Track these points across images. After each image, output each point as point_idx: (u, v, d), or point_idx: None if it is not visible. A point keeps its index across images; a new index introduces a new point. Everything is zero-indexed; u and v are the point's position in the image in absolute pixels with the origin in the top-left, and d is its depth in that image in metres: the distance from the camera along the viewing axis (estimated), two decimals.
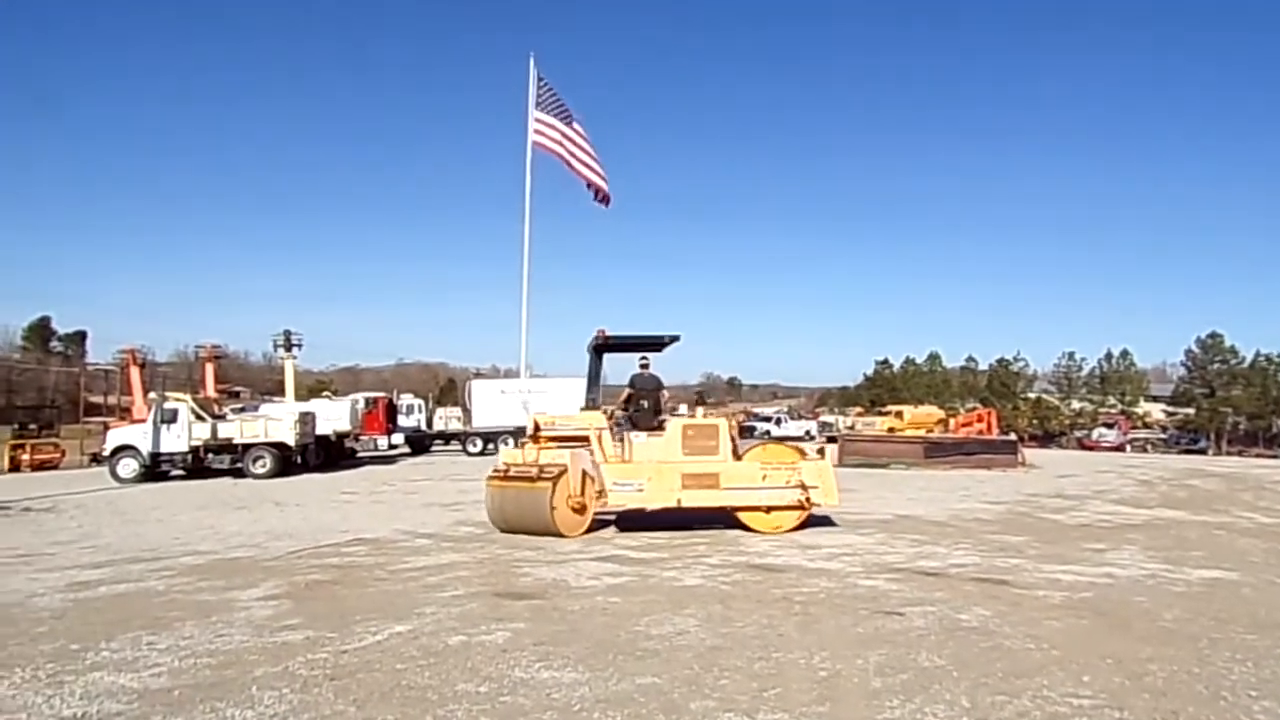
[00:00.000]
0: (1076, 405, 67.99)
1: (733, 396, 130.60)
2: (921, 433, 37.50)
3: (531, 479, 10.41)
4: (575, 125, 18.24)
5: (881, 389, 77.79)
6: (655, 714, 4.21)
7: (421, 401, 40.59)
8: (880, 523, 12.27)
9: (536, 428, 11.12)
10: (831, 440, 42.05)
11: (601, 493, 10.65)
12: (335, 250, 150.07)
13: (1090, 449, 50.67)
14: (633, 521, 11.05)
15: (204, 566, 8.99)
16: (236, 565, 9.04)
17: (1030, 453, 31.98)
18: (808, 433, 54.19)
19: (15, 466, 31.45)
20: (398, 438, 35.35)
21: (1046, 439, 59.76)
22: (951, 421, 45.30)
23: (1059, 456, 36.86)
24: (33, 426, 38.07)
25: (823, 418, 61.97)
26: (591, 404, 11.50)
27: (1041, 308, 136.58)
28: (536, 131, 17.81)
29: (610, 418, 11.23)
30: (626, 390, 11.56)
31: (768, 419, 56.99)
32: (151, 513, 15.16)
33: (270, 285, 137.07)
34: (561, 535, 10.24)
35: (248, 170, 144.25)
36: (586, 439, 10.84)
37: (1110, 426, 58.37)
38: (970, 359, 77.66)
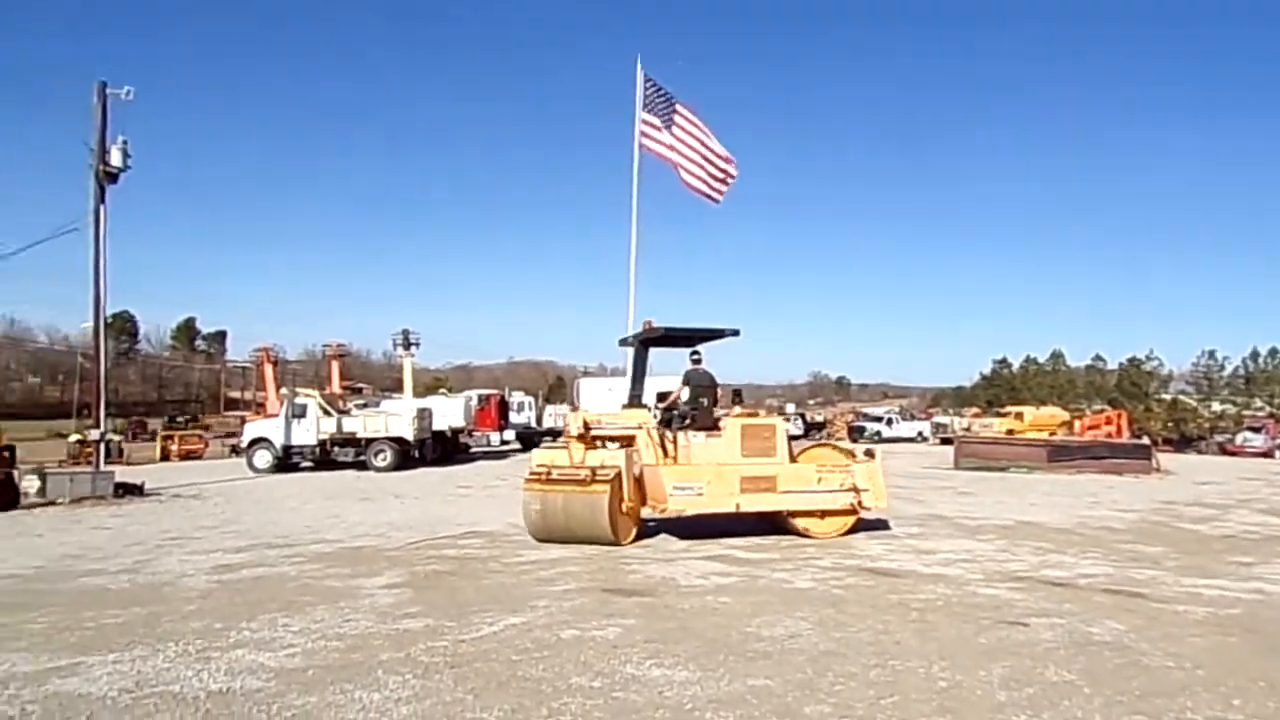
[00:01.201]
0: (1217, 407, 63.32)
1: (841, 396, 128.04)
2: (1044, 435, 35.70)
3: (584, 482, 9.56)
4: (683, 123, 18.15)
5: (1000, 389, 74.80)
6: (768, 716, 4.17)
7: (532, 399, 41.58)
8: (1000, 528, 11.76)
9: (586, 426, 10.22)
10: (946, 442, 40.71)
11: (648, 497, 10.02)
12: (451, 253, 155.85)
13: (1233, 454, 46.94)
14: (670, 528, 10.56)
15: (331, 554, 9.48)
16: (361, 554, 9.48)
17: (1165, 458, 29.94)
18: (920, 434, 52.56)
19: (165, 455, 34.14)
20: (509, 434, 36.29)
21: (1183, 443, 55.72)
22: (1077, 424, 43.00)
23: (1197, 462, 34.37)
24: (180, 419, 41.17)
25: (936, 418, 59.93)
26: (635, 401, 10.83)
27: (1178, 304, 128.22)
28: (643, 134, 17.87)
29: (670, 413, 10.66)
30: (681, 387, 10.99)
31: (878, 419, 55.52)
32: (284, 501, 16.09)
33: (390, 287, 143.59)
34: (617, 543, 9.57)
35: (368, 181, 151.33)
36: (632, 439, 10.16)
37: (1257, 430, 53.83)
38: (1097, 358, 73.79)
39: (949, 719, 4.18)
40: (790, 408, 71.89)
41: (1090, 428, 39.66)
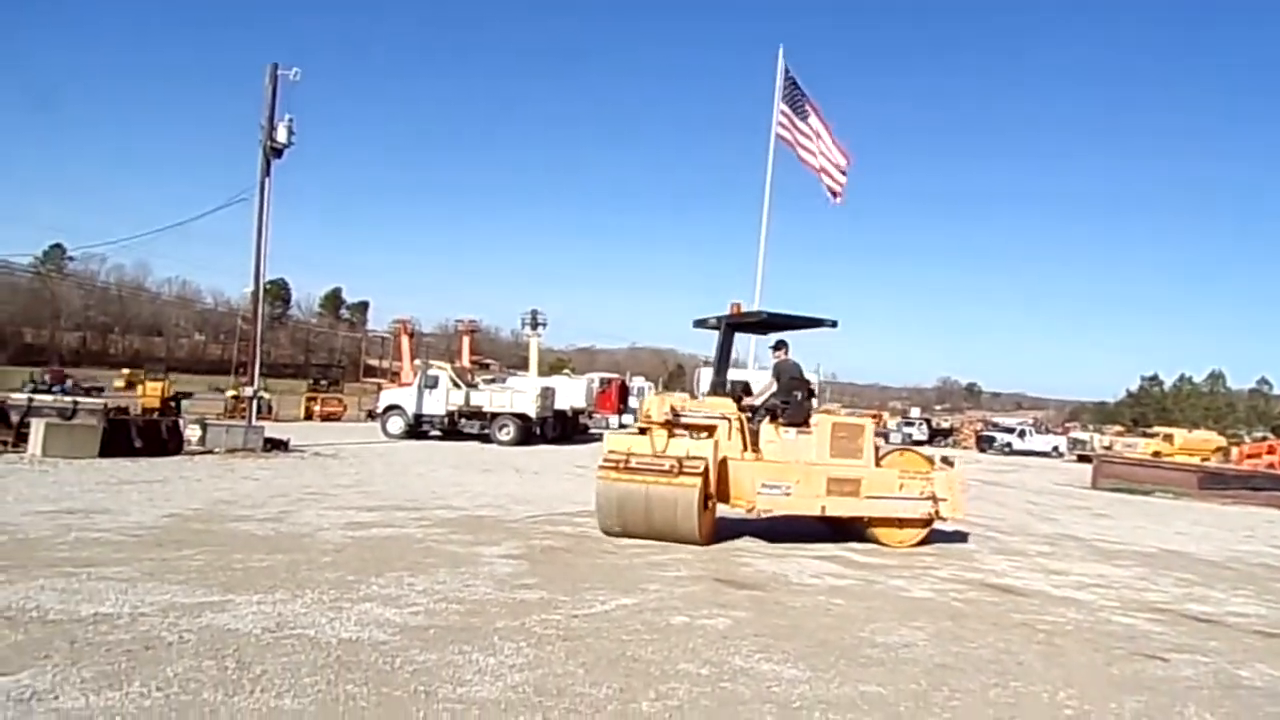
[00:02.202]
0: None
1: (970, 403, 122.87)
2: (1195, 460, 33.15)
3: (670, 472, 8.80)
4: (813, 120, 17.91)
5: (1148, 408, 69.94)
6: None
7: (651, 385, 41.92)
8: (1140, 555, 11.02)
9: (674, 412, 9.44)
10: (1084, 459, 38.40)
11: (731, 493, 9.42)
12: (579, 237, 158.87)
13: None
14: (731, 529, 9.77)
15: (455, 520, 9.88)
16: (482, 523, 9.85)
17: None
18: (1055, 449, 49.76)
19: (309, 415, 36.50)
20: (628, 418, 36.74)
21: None
22: (1234, 451, 39.68)
23: None
24: (323, 383, 43.88)
25: (1074, 434, 56.58)
26: (719, 388, 10.14)
27: None
28: (780, 124, 17.66)
29: (760, 406, 10.04)
30: (774, 378, 10.33)
31: (1009, 430, 52.84)
32: (413, 467, 16.88)
33: (520, 267, 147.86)
34: (699, 543, 8.86)
35: (502, 163, 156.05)
36: (714, 428, 9.49)
37: None
38: (1263, 381, 67.80)
39: None
40: (915, 412, 69.68)
41: (1250, 456, 36.61)
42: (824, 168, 17.96)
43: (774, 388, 10.28)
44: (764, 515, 9.51)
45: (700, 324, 10.83)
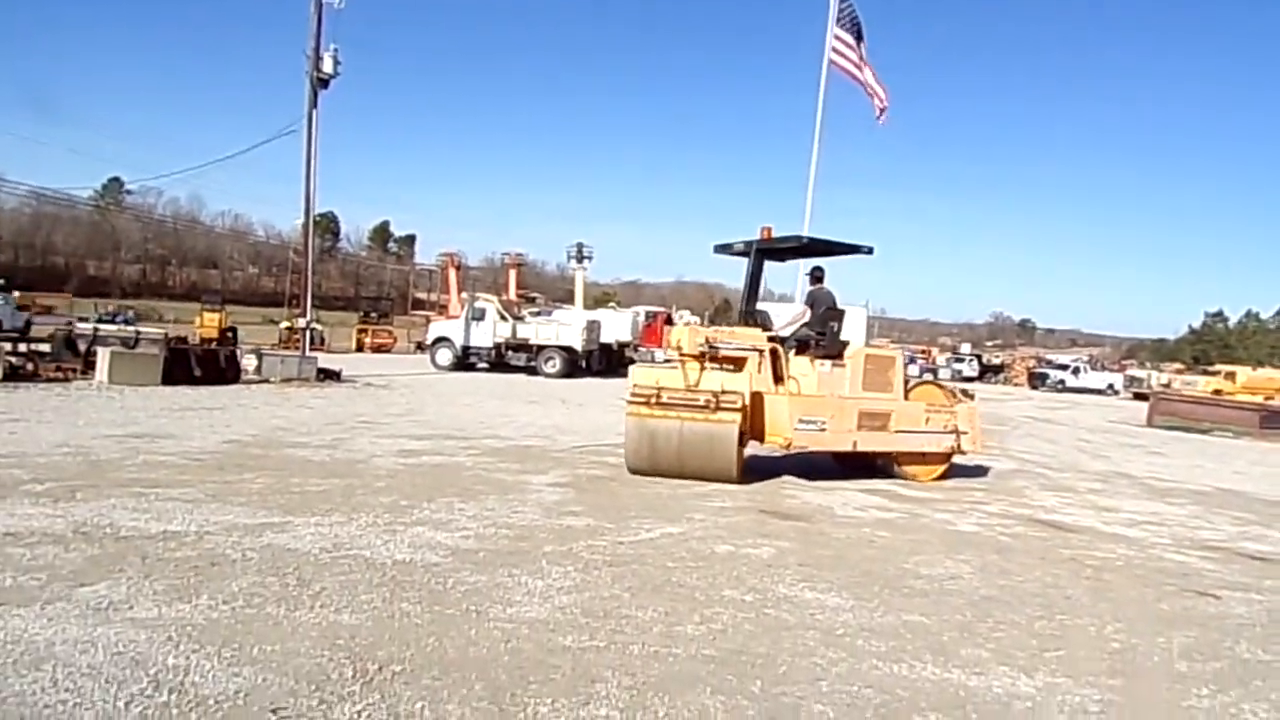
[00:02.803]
0: None
1: (1024, 340, 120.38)
2: (1258, 399, 32.15)
3: (706, 408, 8.40)
4: (864, 46, 17.31)
5: (1210, 345, 67.83)
6: (922, 652, 4.10)
7: (697, 319, 41.68)
8: (1195, 493, 10.81)
9: (710, 344, 8.96)
10: (1140, 397, 37.55)
11: (766, 430, 8.95)
12: (625, 169, 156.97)
13: None
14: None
15: (502, 450, 10.07)
16: (529, 452, 10.02)
17: None
18: (1111, 386, 48.74)
19: (360, 347, 37.32)
20: (673, 352, 36.79)
21: None
22: None
23: None
24: (373, 315, 44.66)
25: (1130, 371, 55.24)
26: (749, 318, 9.68)
27: None
28: (834, 50, 17.04)
29: (792, 337, 9.60)
30: (809, 307, 9.79)
31: (1063, 367, 51.75)
32: (461, 398, 17.18)
33: (567, 201, 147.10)
34: (734, 482, 8.40)
35: (548, 95, 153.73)
36: (744, 361, 9.03)
37: None
38: None
39: (1120, 681, 3.95)
40: (965, 348, 68.48)
41: None
42: (874, 91, 17.42)
43: (806, 317, 9.78)
44: (799, 452, 9.14)
45: (723, 249, 10.25)
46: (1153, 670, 4.17)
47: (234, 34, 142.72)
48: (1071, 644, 4.43)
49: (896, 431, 9.40)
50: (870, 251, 9.99)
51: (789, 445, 8.84)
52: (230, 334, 32.34)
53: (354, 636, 3.77)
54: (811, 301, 9.82)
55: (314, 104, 19.23)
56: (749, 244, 9.78)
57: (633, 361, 33.07)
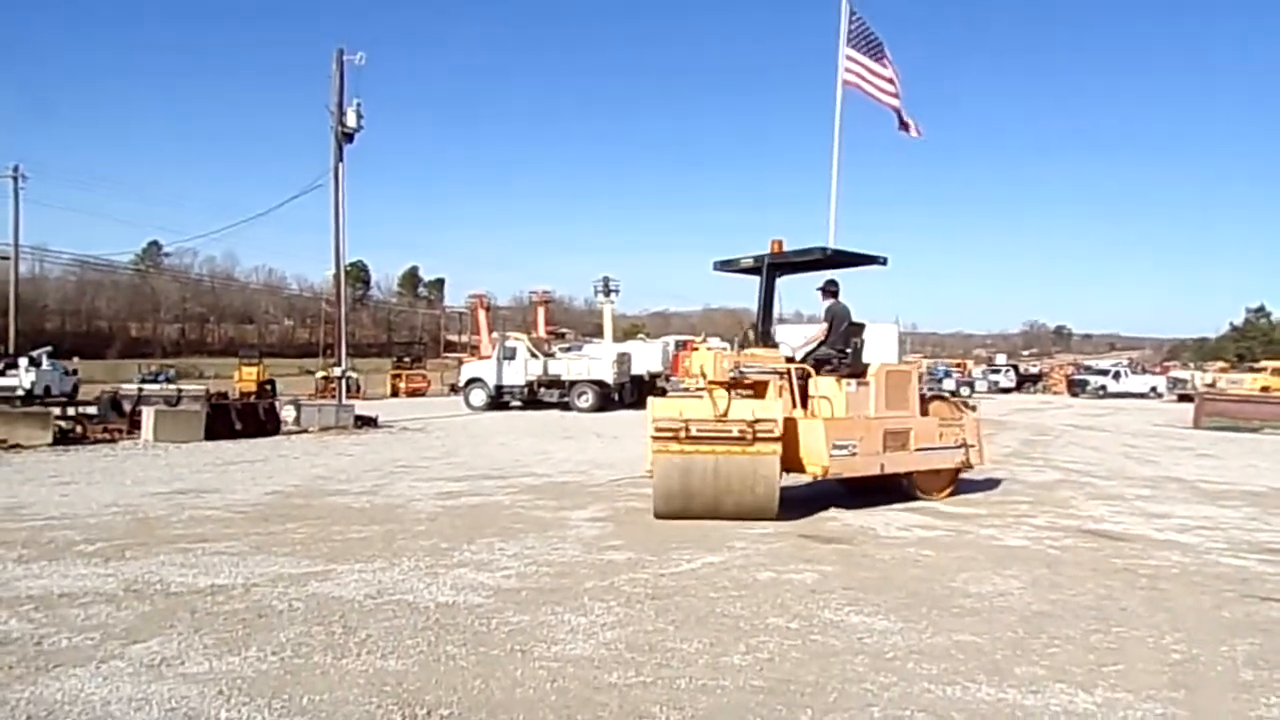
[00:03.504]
0: None
1: (1060, 347, 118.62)
2: None
3: (742, 439, 7.61)
4: (886, 61, 17.27)
5: (1254, 341, 66.23)
6: (975, 673, 4.02)
7: (727, 345, 41.65)
8: (1249, 494, 10.50)
9: (739, 368, 8.48)
10: (1185, 399, 36.68)
11: (802, 457, 8.29)
12: (650, 200, 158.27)
13: None
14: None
15: (540, 487, 10.09)
16: (566, 488, 10.03)
17: None
18: (1153, 389, 47.65)
19: (394, 392, 37.80)
20: (690, 380, 36.70)
21: None
22: None
23: None
24: (406, 359, 45.28)
25: (1173, 373, 54.00)
26: (765, 338, 9.26)
27: None
28: (847, 70, 17.10)
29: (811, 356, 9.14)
30: (827, 324, 9.28)
31: (1103, 372, 50.77)
32: (496, 437, 17.28)
33: (591, 235, 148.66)
34: (773, 518, 7.74)
35: (567, 133, 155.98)
36: (764, 385, 8.61)
37: None
38: None
39: (1183, 694, 3.83)
40: (1001, 359, 67.50)
41: None
42: (898, 107, 17.36)
43: (823, 335, 9.29)
44: (833, 479, 8.69)
45: (726, 266, 9.75)
46: (1217, 680, 4.04)
47: (258, 89, 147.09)
48: (1130, 657, 4.31)
49: (916, 450, 9.04)
50: (885, 262, 9.58)
51: (825, 473, 8.29)
52: (269, 386, 32.92)
53: (401, 682, 3.78)
54: (831, 317, 9.32)
55: (339, 158, 19.71)
56: (759, 259, 9.35)
57: (665, 392, 33.20)
